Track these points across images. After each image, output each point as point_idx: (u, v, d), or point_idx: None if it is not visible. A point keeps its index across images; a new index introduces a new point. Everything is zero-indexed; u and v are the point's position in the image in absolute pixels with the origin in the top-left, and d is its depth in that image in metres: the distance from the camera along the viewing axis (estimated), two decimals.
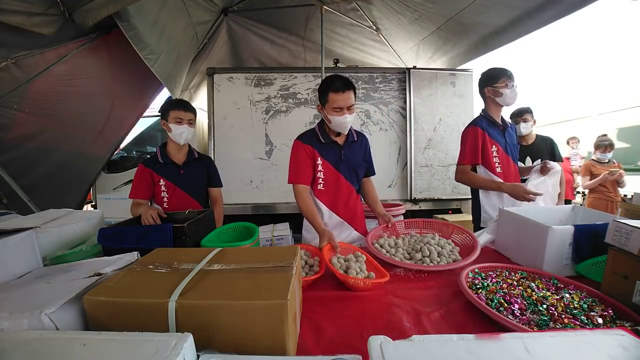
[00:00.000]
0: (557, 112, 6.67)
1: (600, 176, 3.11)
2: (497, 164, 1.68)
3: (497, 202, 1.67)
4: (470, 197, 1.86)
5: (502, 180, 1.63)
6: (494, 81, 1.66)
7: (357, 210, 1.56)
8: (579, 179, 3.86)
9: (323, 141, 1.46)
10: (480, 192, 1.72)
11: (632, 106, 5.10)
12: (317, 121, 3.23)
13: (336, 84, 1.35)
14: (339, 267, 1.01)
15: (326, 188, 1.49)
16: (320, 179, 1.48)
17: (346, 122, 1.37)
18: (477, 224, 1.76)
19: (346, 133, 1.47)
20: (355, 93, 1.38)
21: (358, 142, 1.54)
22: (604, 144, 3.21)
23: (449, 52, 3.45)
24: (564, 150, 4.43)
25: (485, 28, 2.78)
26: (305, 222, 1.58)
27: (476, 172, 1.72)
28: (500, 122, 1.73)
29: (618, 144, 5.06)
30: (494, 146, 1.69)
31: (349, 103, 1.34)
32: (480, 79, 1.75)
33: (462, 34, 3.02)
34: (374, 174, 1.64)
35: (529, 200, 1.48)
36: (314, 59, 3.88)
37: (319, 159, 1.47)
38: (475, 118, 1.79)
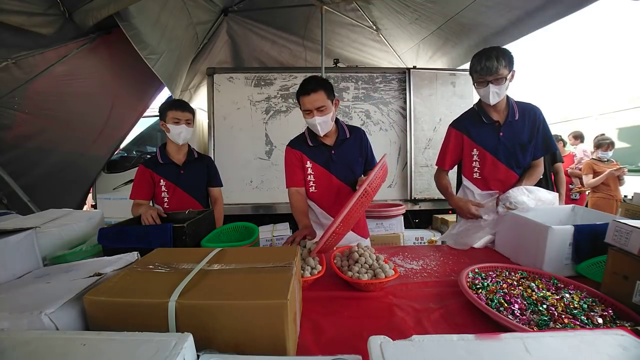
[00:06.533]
0: (558, 111, 6.67)
1: (606, 172, 3.15)
2: (475, 170, 1.48)
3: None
4: None
5: (453, 193, 1.52)
6: (471, 72, 1.39)
7: None
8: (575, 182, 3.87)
9: (311, 144, 1.46)
10: (460, 191, 1.61)
11: (632, 107, 5.11)
12: None
13: (303, 86, 1.34)
14: (347, 269, 1.01)
15: (318, 190, 1.49)
16: (312, 182, 1.49)
17: (315, 124, 1.34)
18: None
19: (323, 135, 1.40)
20: (328, 93, 1.34)
21: (351, 138, 1.49)
22: (605, 143, 3.28)
23: (449, 52, 3.45)
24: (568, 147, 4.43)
25: (485, 28, 2.78)
26: None
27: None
28: (496, 117, 1.44)
29: (618, 144, 5.08)
30: (474, 149, 1.47)
31: (316, 105, 1.31)
32: None
33: (463, 34, 3.03)
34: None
35: (475, 217, 1.37)
36: (314, 59, 3.88)
37: (308, 162, 1.47)
38: (463, 113, 1.57)
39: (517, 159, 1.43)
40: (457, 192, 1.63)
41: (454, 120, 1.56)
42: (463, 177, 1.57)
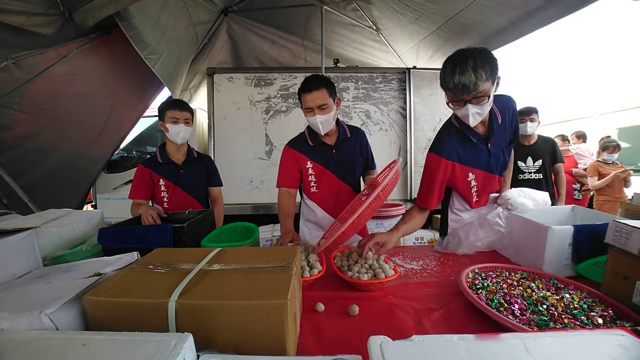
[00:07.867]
0: (558, 112, 6.67)
1: (612, 174, 3.14)
2: (474, 194, 1.28)
3: (467, 217, 1.35)
4: None
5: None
6: (443, 87, 1.10)
7: None
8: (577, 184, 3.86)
9: (311, 144, 1.46)
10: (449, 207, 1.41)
11: (632, 107, 5.11)
12: None
13: (305, 84, 1.34)
14: (347, 269, 1.01)
15: (319, 189, 1.49)
16: (312, 182, 1.48)
17: (317, 122, 1.34)
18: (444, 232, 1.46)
19: (324, 134, 1.40)
20: (330, 91, 1.33)
21: (352, 138, 1.49)
22: (612, 145, 3.27)
23: (450, 52, 3.40)
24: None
25: (485, 28, 2.78)
26: (301, 224, 1.59)
27: (448, 198, 1.39)
28: (482, 130, 1.20)
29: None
30: (470, 174, 1.22)
31: (317, 103, 1.31)
32: None
33: (463, 34, 3.02)
34: (374, 168, 1.57)
35: None
36: (314, 59, 3.88)
37: (308, 162, 1.46)
38: (443, 134, 1.23)
39: (505, 162, 1.30)
40: (440, 228, 1.44)
41: (436, 146, 1.22)
42: (453, 210, 1.36)
